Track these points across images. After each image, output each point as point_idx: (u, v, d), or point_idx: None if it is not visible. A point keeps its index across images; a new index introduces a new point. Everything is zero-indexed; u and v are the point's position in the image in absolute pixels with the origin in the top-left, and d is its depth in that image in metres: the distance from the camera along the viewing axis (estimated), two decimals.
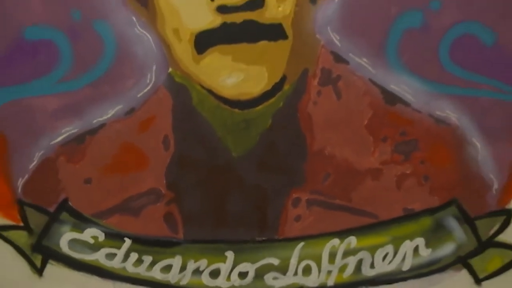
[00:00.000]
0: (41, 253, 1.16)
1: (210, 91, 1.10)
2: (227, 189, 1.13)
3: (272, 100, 1.10)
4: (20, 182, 1.14)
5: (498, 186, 1.10)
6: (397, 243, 1.12)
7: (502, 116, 1.09)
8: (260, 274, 1.14)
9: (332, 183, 1.12)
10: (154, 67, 1.10)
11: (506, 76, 1.08)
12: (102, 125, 1.11)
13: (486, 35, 1.06)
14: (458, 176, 1.11)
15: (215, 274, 1.14)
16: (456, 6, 1.05)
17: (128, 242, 1.14)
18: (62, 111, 1.11)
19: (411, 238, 1.12)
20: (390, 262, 1.13)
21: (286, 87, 1.10)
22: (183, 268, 1.14)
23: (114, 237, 1.15)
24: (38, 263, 1.16)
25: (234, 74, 1.08)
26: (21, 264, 1.16)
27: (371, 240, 1.13)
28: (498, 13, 1.05)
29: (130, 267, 1.15)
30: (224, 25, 1.05)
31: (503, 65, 1.07)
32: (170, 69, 1.10)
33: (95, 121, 1.11)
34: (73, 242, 1.15)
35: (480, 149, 1.10)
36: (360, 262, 1.13)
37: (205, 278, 1.14)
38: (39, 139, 1.12)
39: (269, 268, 1.13)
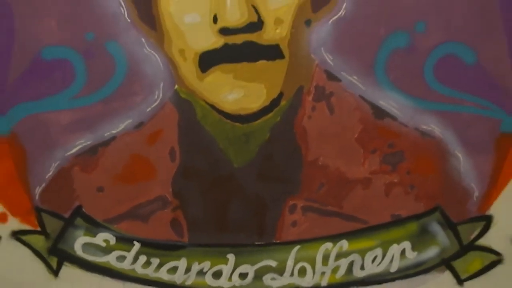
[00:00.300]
0: (56, 256, 1.16)
1: (213, 107, 1.10)
2: (229, 197, 1.13)
3: (270, 114, 1.10)
4: (38, 190, 1.14)
5: (478, 194, 1.11)
6: (385, 247, 1.13)
7: (483, 130, 1.09)
8: (259, 275, 1.14)
9: (325, 191, 1.12)
10: (161, 84, 1.10)
11: (486, 93, 1.08)
12: (113, 138, 1.12)
13: (468, 55, 1.07)
14: (441, 185, 1.11)
15: (217, 275, 1.14)
16: (439, 28, 1.06)
17: (137, 245, 1.14)
18: (77, 125, 1.11)
19: (398, 242, 1.13)
20: (379, 264, 1.13)
21: (283, 102, 1.10)
22: (188, 270, 1.14)
23: (124, 241, 1.14)
24: (54, 265, 1.16)
25: (235, 91, 1.08)
26: (39, 266, 1.16)
27: (361, 243, 1.13)
28: (479, 34, 1.06)
29: (139, 269, 1.15)
30: (226, 45, 1.05)
31: (484, 83, 1.08)
32: (176, 86, 1.10)
33: (107, 134, 1.11)
34: (86, 246, 1.15)
35: (462, 160, 1.10)
36: (351, 264, 1.13)
37: (208, 279, 1.14)
38: (55, 150, 1.12)
39: (267, 269, 1.14)
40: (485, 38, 1.07)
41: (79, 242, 1.15)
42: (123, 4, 1.06)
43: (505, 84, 1.08)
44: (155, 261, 1.14)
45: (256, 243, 1.14)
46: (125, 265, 1.15)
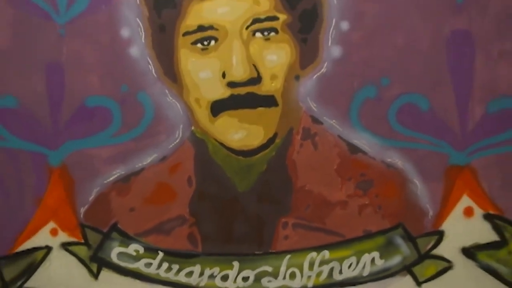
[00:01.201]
0: (96, 263, 1.25)
1: (222, 144, 1.20)
2: (234, 216, 1.22)
3: (267, 150, 1.20)
4: (82, 210, 1.24)
5: (432, 214, 1.20)
6: (359, 256, 1.20)
7: (435, 163, 1.19)
8: (258, 278, 1.22)
9: (311, 211, 1.21)
10: (181, 126, 1.21)
11: (438, 134, 1.19)
12: (142, 169, 1.22)
13: (423, 103, 1.17)
14: (403, 206, 1.20)
15: (225, 278, 1.22)
16: (400, 82, 1.18)
17: (161, 254, 1.22)
18: (114, 158, 1.22)
19: (369, 251, 1.20)
20: (354, 269, 1.21)
21: (277, 140, 1.20)
22: (201, 274, 1.22)
23: (151, 251, 1.23)
24: (94, 270, 1.25)
25: (240, 132, 1.19)
26: (82, 270, 1.25)
27: (340, 253, 1.21)
28: (432, 87, 1.17)
29: (162, 273, 1.23)
30: (232, 96, 1.16)
31: (436, 125, 1.19)
32: (192, 128, 1.21)
33: (137, 165, 1.22)
34: (120, 254, 1.24)
35: (419, 187, 1.20)
36: (332, 270, 1.21)
37: (218, 281, 1.22)
38: (96, 178, 1.23)
39: (265, 273, 1.22)
40: (437, 90, 1.18)
41: (115, 252, 1.24)
42: (151, 62, 1.19)
43: (452, 126, 1.19)
44: (175, 267, 1.23)
45: (256, 252, 1.22)
46: (151, 270, 1.23)
